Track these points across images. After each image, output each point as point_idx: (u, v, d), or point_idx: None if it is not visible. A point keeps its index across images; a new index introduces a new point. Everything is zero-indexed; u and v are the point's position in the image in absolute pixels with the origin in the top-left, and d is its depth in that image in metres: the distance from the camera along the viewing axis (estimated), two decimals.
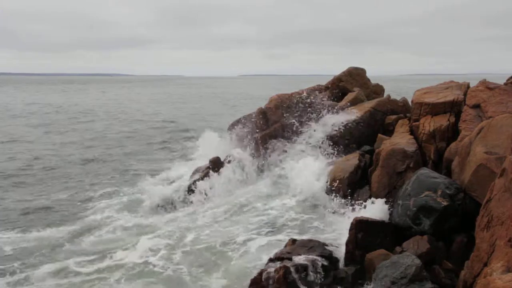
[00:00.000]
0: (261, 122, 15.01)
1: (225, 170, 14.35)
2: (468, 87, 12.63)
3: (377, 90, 18.03)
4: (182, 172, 16.69)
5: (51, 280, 9.34)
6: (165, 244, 10.69)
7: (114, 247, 10.78)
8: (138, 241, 10.87)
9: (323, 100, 15.99)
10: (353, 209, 10.35)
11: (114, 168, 20.25)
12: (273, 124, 14.82)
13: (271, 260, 8.79)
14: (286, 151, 14.50)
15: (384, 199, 9.95)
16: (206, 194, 13.80)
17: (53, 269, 9.84)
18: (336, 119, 14.46)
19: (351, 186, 11.58)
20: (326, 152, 13.68)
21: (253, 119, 15.55)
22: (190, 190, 13.81)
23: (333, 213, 11.18)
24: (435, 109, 11.75)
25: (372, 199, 10.25)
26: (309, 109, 15.35)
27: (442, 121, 11.30)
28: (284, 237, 10.33)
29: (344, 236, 9.08)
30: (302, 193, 12.53)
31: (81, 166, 20.86)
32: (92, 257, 10.33)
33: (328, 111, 15.21)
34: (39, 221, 13.34)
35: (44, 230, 12.36)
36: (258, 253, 9.90)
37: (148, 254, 10.25)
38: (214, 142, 17.82)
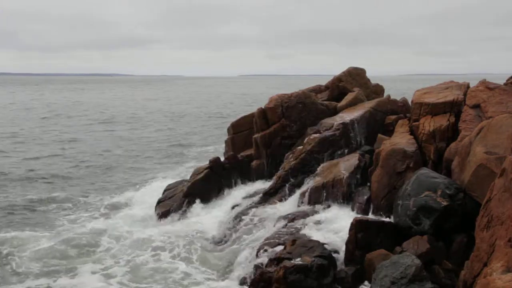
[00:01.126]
0: (261, 122, 14.98)
1: None
2: (468, 87, 12.62)
3: (377, 90, 18.02)
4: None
5: None
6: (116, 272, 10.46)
7: (60, 269, 10.58)
8: (85, 265, 10.69)
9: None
10: None
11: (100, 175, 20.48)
12: (273, 125, 14.79)
13: (271, 260, 8.81)
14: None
15: None
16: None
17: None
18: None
19: (350, 186, 11.57)
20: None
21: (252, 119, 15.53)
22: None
23: None
24: (435, 109, 11.74)
25: None
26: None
27: (442, 121, 11.29)
28: None
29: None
30: None
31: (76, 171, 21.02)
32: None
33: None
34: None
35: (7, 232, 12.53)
36: None
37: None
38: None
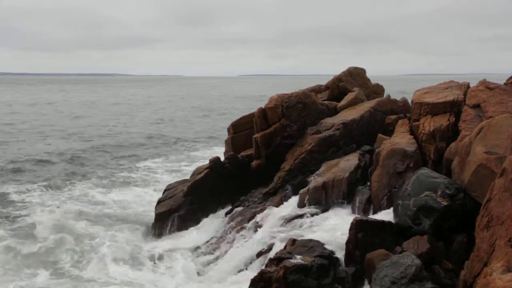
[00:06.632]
0: (261, 122, 14.95)
1: None
2: (468, 87, 12.61)
3: (377, 90, 18.02)
4: None
5: None
6: None
7: None
8: None
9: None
10: None
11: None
12: (273, 124, 14.77)
13: (271, 260, 8.81)
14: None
15: None
16: None
17: None
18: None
19: (351, 186, 11.56)
20: None
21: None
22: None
23: None
24: (435, 109, 11.73)
25: None
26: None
27: (442, 121, 11.28)
28: None
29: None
30: None
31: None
32: None
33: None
34: None
35: None
36: None
37: None
38: None
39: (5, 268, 11.29)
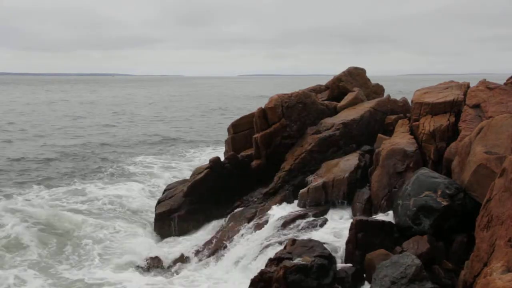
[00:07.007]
0: (261, 122, 14.95)
1: None
2: (468, 87, 12.62)
3: (377, 90, 18.03)
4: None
5: None
6: None
7: None
8: None
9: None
10: None
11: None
12: (273, 124, 14.77)
13: (271, 260, 8.80)
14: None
15: None
16: None
17: None
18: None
19: (351, 186, 11.57)
20: None
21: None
22: None
23: None
24: (435, 109, 11.74)
25: None
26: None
27: (442, 121, 11.29)
28: None
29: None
30: None
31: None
32: None
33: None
34: None
35: None
36: None
37: None
38: None
39: None
